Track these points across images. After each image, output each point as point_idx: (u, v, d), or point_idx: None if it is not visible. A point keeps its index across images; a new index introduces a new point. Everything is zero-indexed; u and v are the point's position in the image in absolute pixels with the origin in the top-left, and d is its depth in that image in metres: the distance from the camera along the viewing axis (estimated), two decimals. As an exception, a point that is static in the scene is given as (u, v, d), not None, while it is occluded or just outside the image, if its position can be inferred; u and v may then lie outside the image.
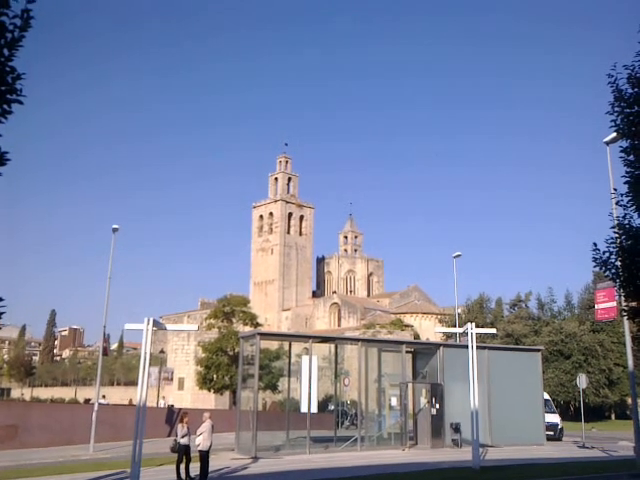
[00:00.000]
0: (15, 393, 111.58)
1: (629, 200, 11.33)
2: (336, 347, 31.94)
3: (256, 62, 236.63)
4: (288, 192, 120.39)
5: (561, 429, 33.18)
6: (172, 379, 67.34)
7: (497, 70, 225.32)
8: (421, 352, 29.56)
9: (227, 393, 54.51)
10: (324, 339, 31.65)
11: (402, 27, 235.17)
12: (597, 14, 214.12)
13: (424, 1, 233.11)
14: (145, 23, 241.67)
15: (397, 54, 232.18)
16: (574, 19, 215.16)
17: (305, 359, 24.93)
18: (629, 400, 57.40)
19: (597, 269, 12.51)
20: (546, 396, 33.17)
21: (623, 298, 12.86)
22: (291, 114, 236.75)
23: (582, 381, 32.03)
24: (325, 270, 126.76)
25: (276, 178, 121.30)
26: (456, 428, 25.52)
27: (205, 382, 51.74)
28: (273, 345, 52.23)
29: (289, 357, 31.18)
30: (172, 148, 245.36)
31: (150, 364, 14.62)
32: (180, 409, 35.18)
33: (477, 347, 20.59)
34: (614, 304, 24.43)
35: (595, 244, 11.80)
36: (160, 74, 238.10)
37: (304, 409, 24.30)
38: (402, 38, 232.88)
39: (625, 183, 11.36)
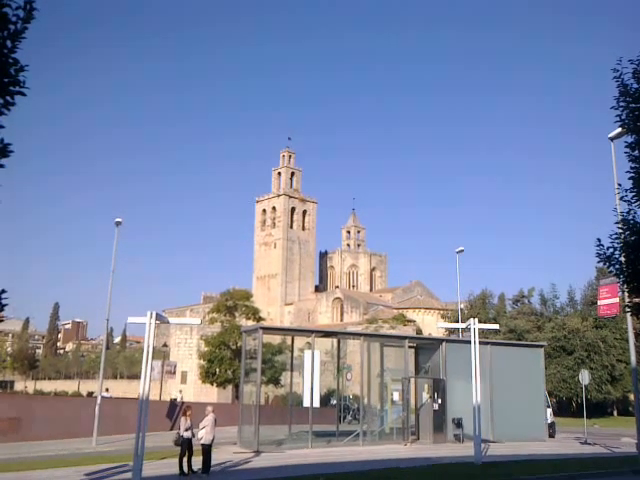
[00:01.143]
0: (18, 386, 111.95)
1: (633, 196, 11.27)
2: (339, 342, 31.94)
3: (258, 54, 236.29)
4: (291, 187, 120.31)
5: (552, 424, 32.23)
6: (175, 373, 67.47)
7: (501, 59, 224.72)
8: (423, 347, 29.54)
9: (230, 387, 54.61)
10: (327, 334, 31.65)
11: (404, 15, 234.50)
12: (604, 6, 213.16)
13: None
14: (145, 10, 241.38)
15: (399, 42, 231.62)
16: (581, 12, 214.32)
17: (307, 353, 24.92)
18: (631, 396, 57.27)
19: (601, 265, 12.47)
20: None
21: (627, 294, 12.82)
22: (295, 107, 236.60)
23: (584, 377, 31.98)
24: (328, 265, 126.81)
25: (279, 172, 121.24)
26: (458, 423, 25.53)
27: (208, 376, 51.85)
28: (276, 339, 52.25)
29: (291, 351, 31.18)
30: (174, 141, 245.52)
31: (153, 358, 14.62)
32: (183, 402, 35.26)
33: (479, 342, 20.57)
34: (617, 300, 24.37)
35: (599, 240, 11.75)
36: (161, 64, 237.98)
37: (306, 403, 24.29)
38: (404, 24, 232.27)
39: (630, 179, 11.30)
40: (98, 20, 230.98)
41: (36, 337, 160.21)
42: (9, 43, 6.09)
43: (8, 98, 6.21)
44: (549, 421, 31.74)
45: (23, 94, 6.28)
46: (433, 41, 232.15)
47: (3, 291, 6.39)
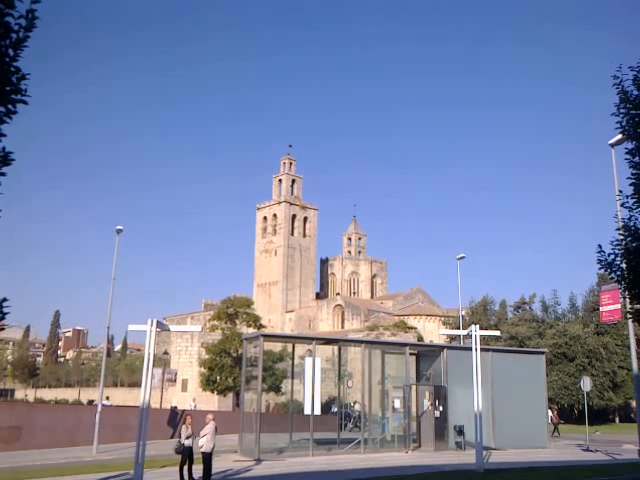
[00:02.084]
0: (19, 394, 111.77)
1: (634, 202, 11.26)
2: (339, 349, 31.89)
3: (258, 62, 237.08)
4: (292, 193, 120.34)
5: None
6: (175, 380, 67.42)
7: (500, 70, 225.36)
8: (425, 354, 29.49)
9: (230, 395, 54.51)
10: (327, 341, 31.60)
11: (405, 26, 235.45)
12: (603, 14, 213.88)
13: (427, 1, 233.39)
14: (146, 22, 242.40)
15: (400, 53, 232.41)
16: (579, 19, 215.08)
17: (308, 361, 24.89)
18: (633, 403, 57.20)
19: (602, 271, 12.43)
20: None
21: (628, 300, 12.80)
22: (295, 115, 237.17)
23: (586, 384, 31.92)
24: (329, 272, 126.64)
25: (280, 180, 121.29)
26: (460, 431, 25.44)
27: (208, 384, 51.76)
28: (276, 347, 52.24)
29: (292, 359, 31.15)
30: (175, 149, 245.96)
31: (153, 365, 14.60)
32: (184, 411, 35.19)
33: (481, 349, 20.53)
34: (618, 306, 24.34)
35: (600, 246, 11.74)
36: (161, 73, 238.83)
37: (307, 411, 24.25)
38: (405, 37, 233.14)
39: (631, 185, 11.30)
40: (101, 32, 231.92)
41: (37, 345, 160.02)
42: (11, 52, 6.12)
43: (10, 107, 6.23)
44: None
45: (25, 102, 6.30)
46: (433, 52, 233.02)
47: (4, 299, 6.38)
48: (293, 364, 30.90)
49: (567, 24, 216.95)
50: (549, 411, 37.57)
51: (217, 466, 18.07)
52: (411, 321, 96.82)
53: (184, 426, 16.92)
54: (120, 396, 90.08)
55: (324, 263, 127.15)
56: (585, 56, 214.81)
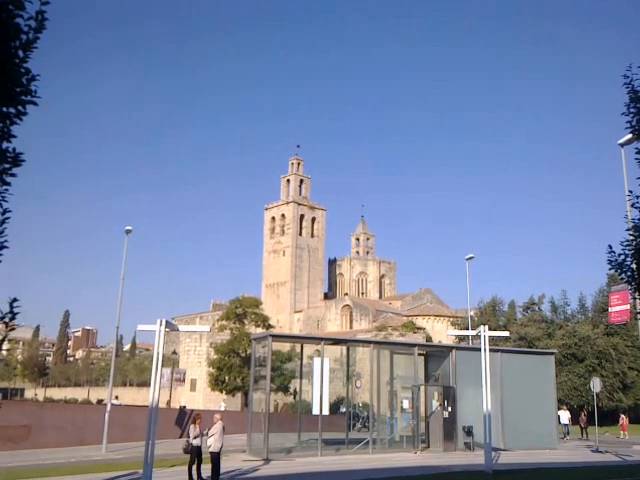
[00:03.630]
0: (29, 393, 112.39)
1: (645, 202, 11.17)
2: (348, 349, 31.86)
3: (266, 63, 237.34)
4: (300, 194, 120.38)
5: None
6: (184, 380, 67.59)
7: (508, 71, 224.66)
8: (433, 355, 29.43)
9: (239, 395, 54.60)
10: (336, 341, 31.60)
11: (414, 27, 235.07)
12: (611, 13, 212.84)
13: (438, 1, 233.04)
14: (154, 23, 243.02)
15: (410, 54, 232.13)
16: (587, 18, 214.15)
17: (317, 361, 24.88)
18: (644, 404, 56.79)
19: (612, 272, 12.35)
20: None
21: (638, 301, 12.72)
22: (303, 115, 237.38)
23: (596, 385, 31.77)
24: (337, 272, 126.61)
25: (288, 180, 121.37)
26: (468, 431, 25.37)
27: (217, 383, 51.89)
28: (285, 347, 52.29)
29: (301, 359, 31.15)
30: (184, 149, 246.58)
31: (162, 365, 14.64)
32: (192, 410, 35.26)
33: (490, 350, 20.47)
34: (628, 307, 24.20)
35: (610, 246, 11.66)
36: (169, 74, 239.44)
37: (316, 411, 24.25)
38: (414, 38, 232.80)
39: (641, 185, 11.21)
40: (106, 31, 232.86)
41: (46, 345, 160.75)
42: (21, 53, 6.14)
43: (20, 108, 6.25)
44: None
45: (35, 104, 6.32)
46: (443, 53, 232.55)
47: (15, 299, 6.39)
48: (302, 364, 30.90)
49: (574, 23, 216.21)
50: (565, 413, 37.43)
51: (226, 466, 18.10)
52: (419, 321, 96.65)
53: (192, 425, 16.96)
54: (129, 395, 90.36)
55: (332, 263, 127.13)
56: (592, 55, 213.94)
